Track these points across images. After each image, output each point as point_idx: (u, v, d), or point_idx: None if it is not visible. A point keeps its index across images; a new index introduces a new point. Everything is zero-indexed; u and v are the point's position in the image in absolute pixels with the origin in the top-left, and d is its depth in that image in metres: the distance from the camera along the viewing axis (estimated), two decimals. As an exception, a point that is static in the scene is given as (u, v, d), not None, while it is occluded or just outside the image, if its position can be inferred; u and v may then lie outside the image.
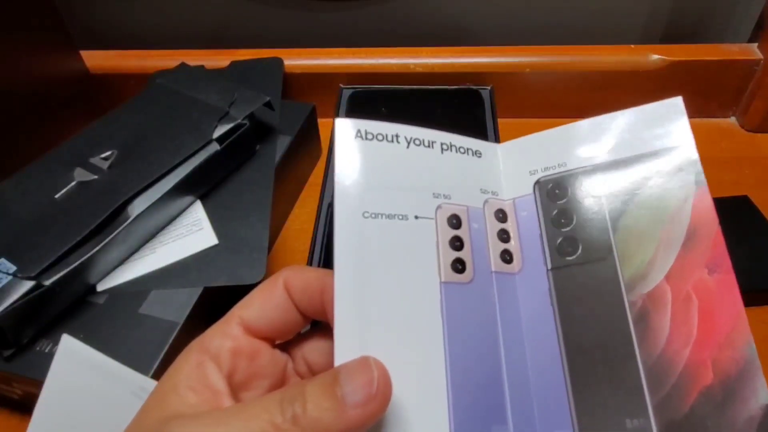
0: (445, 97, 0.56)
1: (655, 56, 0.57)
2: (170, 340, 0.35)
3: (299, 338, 0.25)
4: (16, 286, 0.33)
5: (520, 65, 0.57)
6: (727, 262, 0.23)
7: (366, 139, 0.24)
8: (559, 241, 0.26)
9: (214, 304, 0.39)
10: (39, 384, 0.33)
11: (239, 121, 0.44)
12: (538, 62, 0.57)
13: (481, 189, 0.27)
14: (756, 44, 0.57)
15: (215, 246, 0.40)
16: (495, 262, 0.25)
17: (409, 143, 0.25)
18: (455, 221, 0.25)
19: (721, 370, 0.22)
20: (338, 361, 0.21)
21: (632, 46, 0.58)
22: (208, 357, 0.22)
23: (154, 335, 0.35)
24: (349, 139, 0.24)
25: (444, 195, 0.25)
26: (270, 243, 0.43)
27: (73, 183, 0.40)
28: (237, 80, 0.52)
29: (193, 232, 0.41)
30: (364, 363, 0.20)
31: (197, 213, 0.42)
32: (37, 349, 0.35)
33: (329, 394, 0.19)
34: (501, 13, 0.63)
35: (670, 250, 0.24)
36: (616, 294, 0.24)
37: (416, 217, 0.24)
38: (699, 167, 0.25)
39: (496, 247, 0.26)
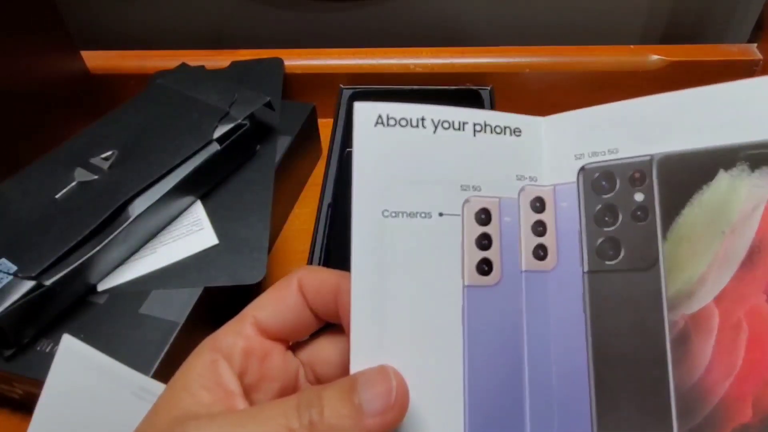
0: (445, 98, 0.56)
1: (655, 56, 0.57)
2: (170, 340, 0.35)
3: (308, 346, 0.25)
4: (16, 286, 0.34)
5: (520, 65, 0.58)
6: None
7: (388, 125, 0.22)
8: (599, 241, 0.23)
9: (214, 304, 0.39)
10: (39, 384, 0.33)
11: (239, 121, 0.44)
12: (538, 62, 0.57)
13: (517, 175, 0.24)
14: (756, 44, 0.57)
15: (215, 246, 0.40)
16: (526, 260, 0.23)
17: (436, 127, 0.23)
18: (484, 216, 0.23)
19: (763, 408, 0.20)
20: (354, 367, 0.20)
21: (632, 46, 0.58)
22: (221, 356, 0.22)
23: (154, 335, 0.35)
24: (368, 127, 0.22)
25: (473, 186, 0.23)
26: (270, 243, 0.43)
27: (73, 183, 0.40)
28: (237, 80, 0.52)
29: (193, 232, 0.41)
30: (383, 372, 0.20)
31: (197, 213, 0.42)
32: (38, 349, 0.35)
33: (347, 401, 0.19)
34: (501, 13, 0.63)
35: (726, 267, 0.20)
36: (656, 310, 0.21)
37: (440, 215, 0.22)
38: None
39: (530, 242, 0.24)
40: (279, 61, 0.56)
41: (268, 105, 0.46)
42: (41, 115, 0.50)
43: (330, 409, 0.19)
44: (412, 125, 0.22)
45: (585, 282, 0.23)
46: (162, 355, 0.34)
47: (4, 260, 0.35)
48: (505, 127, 0.24)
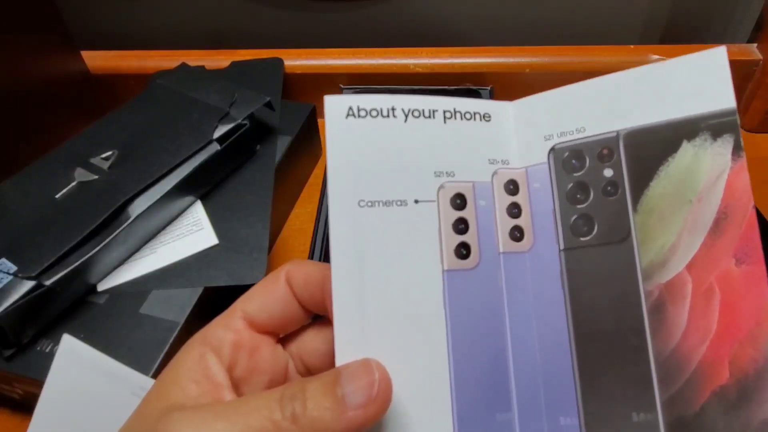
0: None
1: (655, 57, 0.57)
2: (170, 340, 0.35)
3: (297, 339, 0.25)
4: (16, 286, 0.34)
5: (520, 65, 0.58)
6: (758, 252, 0.20)
7: (359, 116, 0.22)
8: (573, 218, 0.23)
9: (214, 304, 0.39)
10: (39, 384, 0.33)
11: (239, 121, 0.44)
12: (538, 62, 0.57)
13: (489, 159, 0.24)
14: (755, 45, 0.57)
15: (215, 246, 0.40)
16: (503, 242, 0.24)
17: (407, 116, 0.23)
18: (459, 201, 0.23)
19: (739, 368, 0.20)
20: (339, 357, 0.21)
21: (632, 46, 0.58)
22: (210, 349, 0.22)
23: (154, 335, 0.35)
24: (340, 119, 0.22)
25: (447, 172, 0.23)
26: (270, 243, 0.43)
27: (73, 183, 0.40)
28: (237, 80, 0.52)
29: (193, 232, 0.41)
30: (366, 365, 0.20)
31: (197, 213, 0.42)
32: (38, 349, 0.35)
33: (330, 393, 0.19)
34: (501, 13, 0.63)
35: (695, 235, 0.21)
36: (631, 282, 0.22)
37: (416, 201, 0.22)
38: (738, 135, 0.21)
39: (506, 223, 0.24)
40: (279, 61, 0.56)
41: (268, 105, 0.46)
42: (41, 115, 0.50)
43: (313, 402, 0.19)
44: (383, 115, 0.23)
45: (562, 259, 0.23)
46: (162, 355, 0.34)
47: (4, 260, 0.35)
48: (474, 113, 0.24)
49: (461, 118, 0.24)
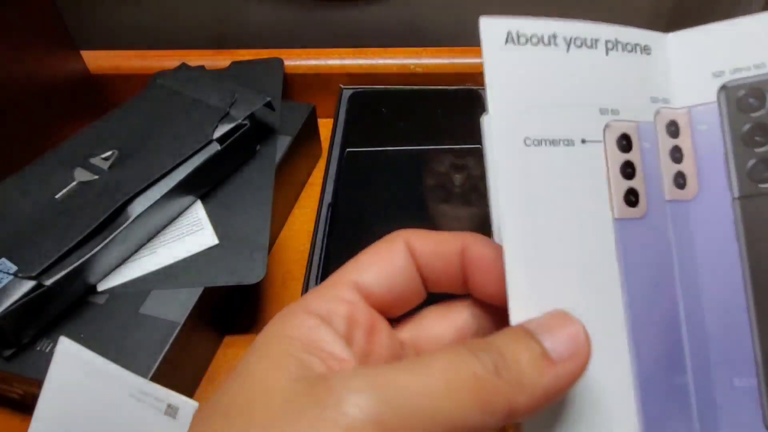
0: (445, 98, 0.56)
1: (655, 56, 0.57)
2: (170, 340, 0.35)
3: (411, 323, 0.21)
4: (16, 286, 0.34)
5: (520, 65, 0.57)
6: None
7: (518, 43, 0.20)
8: (751, 163, 0.21)
9: (214, 304, 0.39)
10: (39, 384, 0.33)
11: (240, 121, 0.44)
12: (538, 62, 0.57)
13: (651, 97, 0.22)
14: (756, 44, 0.57)
15: (215, 246, 0.40)
16: (669, 189, 0.21)
17: (569, 45, 0.21)
18: (625, 142, 0.21)
19: None
20: (514, 314, 0.18)
21: (632, 46, 0.58)
22: (320, 321, 0.17)
23: (154, 335, 0.35)
24: (499, 46, 0.20)
25: (612, 110, 0.21)
26: (270, 243, 0.43)
27: (73, 183, 0.40)
28: (237, 81, 0.52)
29: (193, 232, 0.41)
30: (564, 315, 0.17)
31: (198, 213, 0.42)
32: (38, 349, 0.35)
33: (530, 345, 0.16)
34: (501, 13, 0.63)
35: None
36: None
37: (583, 141, 0.20)
38: None
39: (669, 169, 0.22)
40: (279, 61, 0.56)
41: (269, 105, 0.46)
42: (41, 115, 0.50)
43: (512, 355, 0.16)
44: (544, 43, 0.20)
45: (736, 208, 0.21)
46: (162, 355, 0.34)
47: (4, 260, 0.35)
48: (635, 45, 0.22)
49: (623, 50, 0.22)
